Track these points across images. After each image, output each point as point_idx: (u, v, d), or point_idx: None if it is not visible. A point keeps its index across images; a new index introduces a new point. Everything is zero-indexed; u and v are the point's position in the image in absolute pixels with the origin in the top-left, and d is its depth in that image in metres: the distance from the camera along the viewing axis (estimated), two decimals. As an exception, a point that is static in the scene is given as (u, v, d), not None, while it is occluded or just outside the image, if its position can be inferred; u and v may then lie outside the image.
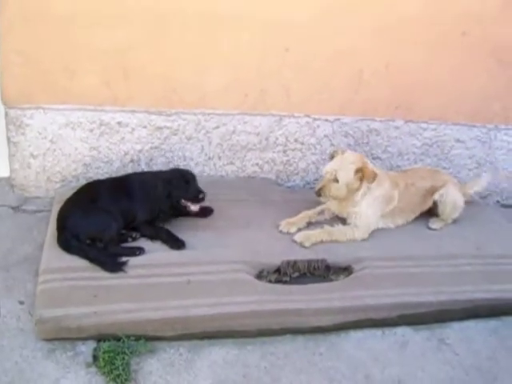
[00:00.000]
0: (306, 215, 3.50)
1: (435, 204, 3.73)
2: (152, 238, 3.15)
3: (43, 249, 3.06)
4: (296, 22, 3.58)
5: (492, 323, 3.18)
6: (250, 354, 2.72)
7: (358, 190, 3.38)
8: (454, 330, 3.09)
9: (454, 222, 3.77)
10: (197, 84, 3.63)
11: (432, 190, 3.69)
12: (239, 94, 3.73)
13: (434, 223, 3.72)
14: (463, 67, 3.99)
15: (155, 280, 2.84)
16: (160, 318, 2.66)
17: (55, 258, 2.92)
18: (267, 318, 2.80)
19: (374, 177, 3.33)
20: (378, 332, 2.98)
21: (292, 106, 3.83)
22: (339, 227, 3.43)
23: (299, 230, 3.40)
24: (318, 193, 3.34)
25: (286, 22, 3.56)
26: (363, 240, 3.43)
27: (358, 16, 3.65)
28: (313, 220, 3.52)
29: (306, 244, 3.27)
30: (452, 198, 3.68)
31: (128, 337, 2.61)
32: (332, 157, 3.44)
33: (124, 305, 2.66)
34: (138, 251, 3.00)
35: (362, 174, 3.32)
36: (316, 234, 3.34)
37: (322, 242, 3.32)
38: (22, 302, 2.83)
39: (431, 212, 3.78)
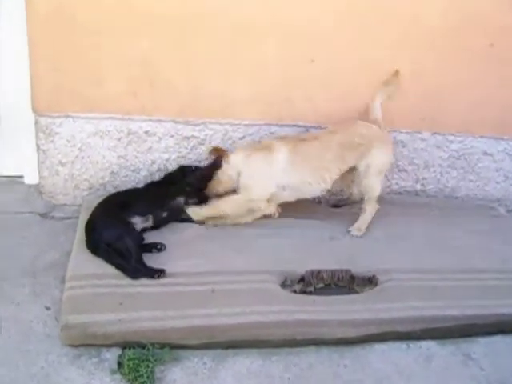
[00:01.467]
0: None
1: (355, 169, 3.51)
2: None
3: (70, 255, 3.09)
4: (321, 33, 3.59)
5: (520, 339, 3.13)
6: (274, 364, 2.71)
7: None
8: (480, 345, 3.03)
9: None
10: (223, 94, 3.65)
11: (349, 146, 3.45)
12: (265, 104, 3.74)
13: (355, 231, 3.55)
14: (490, 79, 3.96)
15: (180, 289, 2.85)
16: (185, 327, 2.66)
17: (82, 264, 2.95)
18: (292, 329, 2.79)
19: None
20: (402, 345, 2.94)
21: (318, 116, 3.82)
22: (227, 197, 3.43)
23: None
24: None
25: (311, 33, 3.58)
26: (260, 207, 3.43)
27: (384, 26, 3.65)
28: None
29: (196, 219, 3.38)
30: (377, 166, 3.50)
31: (153, 344, 2.62)
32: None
33: (149, 313, 2.68)
34: (158, 274, 2.92)
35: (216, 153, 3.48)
36: (205, 209, 3.40)
37: (212, 216, 3.38)
38: (48, 308, 2.86)
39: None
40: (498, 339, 3.09)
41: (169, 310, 2.71)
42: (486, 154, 4.21)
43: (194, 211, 3.40)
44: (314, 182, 3.45)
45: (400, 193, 4.21)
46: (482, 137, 4.15)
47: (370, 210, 3.59)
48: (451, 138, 4.10)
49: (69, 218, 3.66)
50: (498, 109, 4.06)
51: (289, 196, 3.47)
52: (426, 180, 4.23)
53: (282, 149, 3.38)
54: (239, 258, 3.13)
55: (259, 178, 3.40)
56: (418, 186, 4.24)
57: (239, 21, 3.46)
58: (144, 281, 2.88)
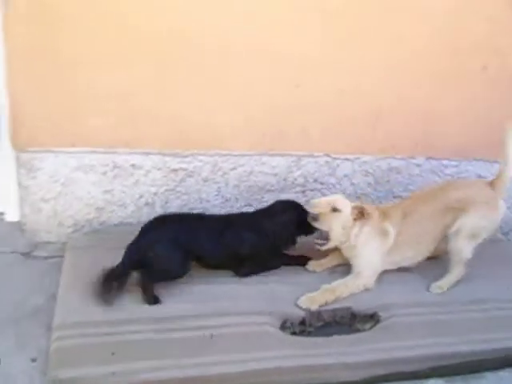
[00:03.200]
0: (334, 256, 3.35)
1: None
2: None
3: (56, 300, 2.91)
4: (310, 59, 3.51)
5: (528, 372, 3.02)
6: (278, 413, 2.57)
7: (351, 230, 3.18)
8: (489, 381, 2.90)
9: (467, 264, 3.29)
10: (210, 124, 3.54)
11: (448, 212, 3.22)
12: (255, 133, 3.64)
13: (436, 288, 3.27)
14: (482, 100, 3.92)
15: (176, 335, 2.68)
16: (182, 378, 2.49)
17: (70, 311, 2.77)
18: (294, 375, 2.63)
19: (372, 211, 3.16)
20: (409, 386, 2.82)
21: (310, 144, 3.73)
22: (339, 281, 3.18)
23: (327, 268, 3.35)
24: (315, 216, 3.09)
25: (299, 59, 3.49)
26: (368, 288, 3.20)
27: (372, 51, 3.59)
28: (341, 261, 3.34)
29: (313, 308, 3.01)
30: (468, 229, 3.17)
31: (149, 398, 2.46)
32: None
33: (143, 363, 2.50)
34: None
35: (358, 211, 3.15)
36: (319, 296, 3.06)
37: (326, 303, 3.05)
38: (34, 360, 2.68)
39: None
40: (506, 374, 2.97)
41: (164, 358, 2.54)
42: (480, 177, 4.14)
43: (309, 299, 3.03)
44: (414, 256, 3.36)
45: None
46: (475, 160, 4.08)
47: (456, 272, 3.32)
48: (446, 162, 4.03)
49: (52, 256, 3.50)
50: (491, 131, 3.98)
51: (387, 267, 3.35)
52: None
53: (391, 231, 3.23)
54: (237, 301, 2.98)
55: (375, 263, 3.26)
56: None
57: (220, 49, 3.36)
58: (137, 327, 2.71)
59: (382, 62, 3.64)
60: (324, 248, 3.24)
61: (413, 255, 3.36)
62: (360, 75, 3.63)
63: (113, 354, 2.54)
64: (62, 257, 3.40)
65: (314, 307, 3.01)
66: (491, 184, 3.31)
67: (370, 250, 3.24)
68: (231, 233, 3.13)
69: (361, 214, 3.16)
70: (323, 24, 3.46)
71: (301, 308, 3.00)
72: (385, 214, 3.26)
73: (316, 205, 3.19)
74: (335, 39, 3.50)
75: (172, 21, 3.21)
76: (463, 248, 3.25)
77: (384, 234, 3.23)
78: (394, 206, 3.37)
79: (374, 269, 3.26)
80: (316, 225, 3.15)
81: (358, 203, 3.20)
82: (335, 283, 3.16)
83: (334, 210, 3.13)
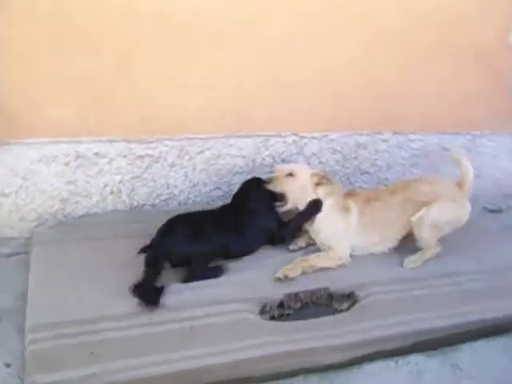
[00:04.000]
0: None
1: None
2: None
3: (26, 300, 2.79)
4: (273, 39, 3.42)
5: (501, 341, 3.06)
6: (264, 401, 2.55)
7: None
8: (466, 353, 2.96)
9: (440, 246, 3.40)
10: (174, 109, 3.43)
11: (410, 205, 3.34)
12: (220, 115, 3.55)
13: (409, 263, 3.34)
14: (446, 75, 3.94)
15: (156, 329, 2.62)
16: (165, 373, 2.42)
17: (42, 311, 2.65)
18: (278, 361, 2.61)
19: (330, 178, 3.32)
20: (391, 363, 2.82)
21: (277, 125, 3.67)
22: (314, 254, 3.26)
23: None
24: (268, 180, 3.27)
25: (262, 39, 3.40)
26: (344, 263, 3.26)
27: (339, 31, 3.54)
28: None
29: (291, 275, 3.06)
30: (431, 220, 3.28)
31: (132, 397, 2.39)
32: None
33: (124, 361, 2.42)
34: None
35: (317, 177, 3.29)
36: (295, 265, 3.13)
37: (303, 271, 3.13)
38: (8, 365, 2.55)
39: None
40: (482, 344, 3.03)
41: (146, 355, 2.47)
42: (445, 150, 4.17)
43: (286, 270, 3.09)
44: (380, 242, 3.41)
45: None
46: (441, 133, 4.11)
47: (427, 252, 3.40)
48: (412, 136, 4.04)
49: (17, 253, 3.36)
50: (455, 104, 4.04)
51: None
52: (388, 180, 4.16)
53: (353, 208, 3.33)
54: (215, 290, 2.92)
55: (341, 236, 3.33)
56: (381, 187, 4.16)
57: (185, 30, 3.24)
58: (116, 323, 2.62)
59: (348, 41, 3.60)
60: (282, 210, 3.34)
61: (380, 240, 3.41)
62: (326, 54, 3.59)
63: (92, 353, 2.45)
64: (26, 253, 3.29)
65: (293, 275, 3.06)
66: (458, 184, 3.44)
67: (333, 223, 3.30)
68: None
69: (321, 179, 3.28)
70: (290, 5, 3.38)
71: (279, 279, 3.04)
72: (349, 194, 3.40)
73: (275, 170, 3.37)
74: (302, 20, 3.43)
75: (132, 3, 3.07)
76: (427, 237, 3.34)
77: (346, 209, 3.32)
78: (359, 191, 3.53)
79: (342, 242, 3.30)
80: (270, 187, 3.27)
81: (318, 170, 3.38)
82: (310, 255, 3.26)
83: (290, 174, 3.27)
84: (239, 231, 3.20)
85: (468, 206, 3.41)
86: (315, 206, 3.32)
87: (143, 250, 3.03)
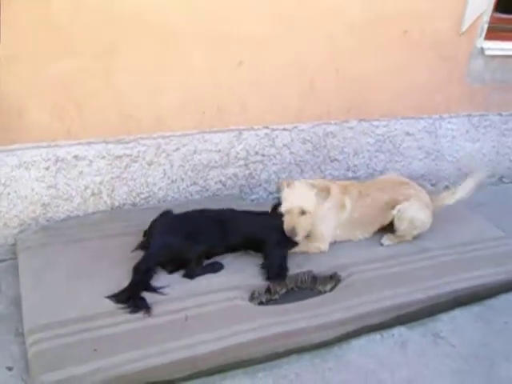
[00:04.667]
0: None
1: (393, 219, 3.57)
2: None
3: (19, 304, 2.83)
4: (248, 36, 3.51)
5: (475, 309, 3.31)
6: (263, 381, 2.67)
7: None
8: (444, 322, 3.18)
9: (416, 237, 3.63)
10: (152, 107, 3.48)
11: (392, 204, 3.53)
12: (196, 112, 3.62)
13: (387, 240, 3.59)
14: (407, 64, 4.10)
15: (153, 321, 2.71)
16: (166, 363, 2.52)
17: (38, 314, 2.70)
18: (272, 343, 2.74)
19: (329, 188, 3.31)
20: (376, 336, 3.01)
21: (250, 119, 3.78)
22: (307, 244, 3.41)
23: None
24: (293, 232, 3.18)
25: (236, 36, 3.48)
26: (322, 251, 3.40)
27: (306, 26, 3.63)
28: None
29: None
30: (410, 215, 3.50)
31: (137, 387, 2.48)
32: (279, 189, 3.40)
33: (127, 354, 2.51)
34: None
35: (321, 192, 3.27)
36: None
37: None
38: (10, 368, 2.61)
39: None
40: (458, 314, 3.26)
41: (147, 347, 2.56)
42: (408, 134, 4.39)
43: None
44: (360, 234, 3.59)
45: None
46: (403, 118, 4.31)
47: (406, 238, 3.63)
48: (376, 123, 4.23)
49: (2, 260, 3.38)
50: (416, 91, 4.23)
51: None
52: (356, 166, 4.34)
53: (348, 206, 3.44)
54: (205, 280, 3.03)
55: (329, 232, 3.45)
56: (350, 173, 4.35)
57: (162, 30, 3.28)
58: (113, 319, 2.69)
59: (317, 35, 3.71)
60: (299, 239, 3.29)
61: (359, 233, 3.59)
62: (296, 49, 3.69)
63: (95, 350, 2.52)
64: (12, 259, 3.32)
65: None
66: (433, 198, 3.70)
67: (327, 222, 3.40)
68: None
69: (322, 190, 3.28)
70: (262, 2, 3.47)
71: None
72: (345, 189, 3.49)
73: (286, 209, 3.24)
74: (274, 15, 3.52)
75: (109, 3, 3.09)
76: (404, 229, 3.57)
77: (342, 206, 3.44)
78: (352, 184, 3.60)
79: (328, 236, 3.45)
80: (284, 226, 3.21)
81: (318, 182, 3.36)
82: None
83: (302, 212, 3.20)
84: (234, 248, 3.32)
85: (431, 218, 3.65)
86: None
87: (139, 247, 3.12)
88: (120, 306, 2.77)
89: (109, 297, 2.82)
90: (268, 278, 3.11)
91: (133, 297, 2.82)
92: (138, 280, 2.93)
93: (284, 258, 3.21)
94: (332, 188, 3.36)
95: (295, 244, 3.29)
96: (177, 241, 3.09)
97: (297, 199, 3.21)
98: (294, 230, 3.16)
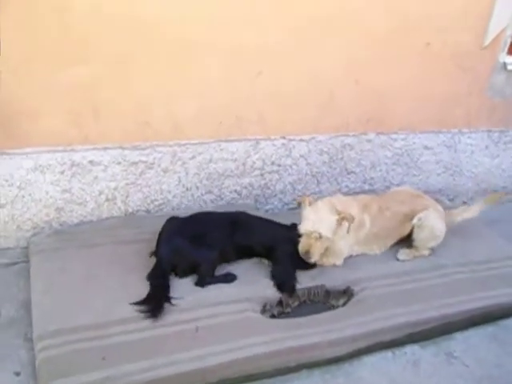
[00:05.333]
0: None
1: (412, 229, 3.52)
2: None
3: (29, 309, 2.83)
4: (266, 47, 3.48)
5: (489, 329, 3.24)
6: (272, 396, 2.64)
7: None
8: (458, 342, 3.12)
9: (432, 253, 3.56)
10: (169, 115, 3.47)
11: (411, 215, 3.49)
12: (213, 121, 3.61)
13: (402, 254, 3.51)
14: (427, 76, 4.05)
15: (163, 331, 2.69)
16: (175, 374, 2.49)
17: (49, 319, 2.69)
18: (284, 357, 2.71)
19: (353, 218, 3.19)
20: (388, 354, 2.96)
21: (267, 129, 3.75)
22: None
23: None
24: (307, 255, 3.13)
25: (256, 47, 3.46)
26: (336, 266, 3.34)
27: (327, 37, 3.60)
28: None
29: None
30: (430, 224, 3.46)
31: (145, 397, 2.46)
32: (299, 204, 3.28)
33: (136, 364, 2.48)
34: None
35: (342, 220, 3.18)
36: None
37: None
38: (18, 374, 2.59)
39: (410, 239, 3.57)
40: (472, 333, 3.19)
41: (156, 357, 2.54)
42: (426, 148, 4.33)
43: None
44: (377, 248, 3.53)
45: (349, 195, 4.21)
46: (422, 132, 4.26)
47: (420, 251, 3.56)
48: (395, 136, 4.18)
49: (15, 263, 3.38)
50: (435, 104, 4.18)
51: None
52: (373, 179, 4.29)
53: (367, 224, 3.39)
54: (217, 291, 3.00)
55: (346, 250, 3.39)
56: (366, 186, 4.30)
57: (181, 39, 3.27)
58: (122, 327, 2.68)
59: (336, 45, 3.67)
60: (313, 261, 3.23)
61: (376, 247, 3.53)
62: (315, 60, 3.66)
63: (103, 358, 2.50)
64: (25, 262, 3.31)
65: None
66: (447, 213, 3.66)
67: (346, 240, 3.33)
68: None
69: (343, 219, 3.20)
70: (281, 12, 3.45)
71: None
72: (365, 206, 3.42)
73: (303, 230, 3.16)
74: (292, 27, 3.50)
75: (129, 11, 3.09)
76: (423, 238, 3.51)
77: (361, 225, 3.37)
78: (372, 199, 3.54)
79: (344, 253, 3.40)
80: (313, 261, 3.19)
81: (341, 214, 3.19)
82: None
83: (318, 236, 3.12)
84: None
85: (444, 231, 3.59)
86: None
87: (153, 254, 3.11)
88: (142, 312, 2.76)
89: (135, 303, 2.81)
90: (276, 286, 3.09)
91: (157, 303, 2.82)
92: (160, 285, 2.93)
93: (293, 269, 3.19)
94: (352, 208, 3.29)
95: (312, 266, 3.25)
96: (185, 243, 3.07)
97: (317, 223, 3.11)
98: (308, 253, 3.12)
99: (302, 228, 3.14)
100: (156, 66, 3.31)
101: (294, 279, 3.15)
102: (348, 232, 3.20)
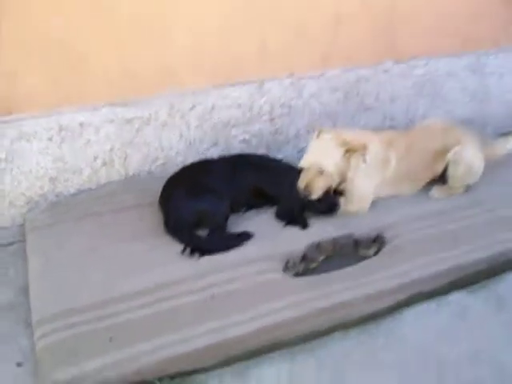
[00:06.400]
0: None
1: (446, 166, 3.18)
2: None
3: (29, 293, 2.54)
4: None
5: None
6: (304, 364, 2.31)
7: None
8: (508, 283, 2.76)
9: (468, 189, 3.22)
10: (161, 61, 3.09)
11: (444, 151, 3.14)
12: (211, 64, 3.23)
13: (436, 192, 3.20)
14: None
15: (175, 302, 2.38)
16: (193, 350, 2.21)
17: (48, 302, 2.41)
18: (314, 320, 2.40)
19: (365, 147, 2.87)
20: (431, 305, 2.61)
21: (270, 64, 3.37)
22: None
23: None
24: (307, 191, 2.82)
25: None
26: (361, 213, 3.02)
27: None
28: None
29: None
30: (468, 159, 3.12)
31: (161, 379, 2.17)
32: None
33: (147, 344, 2.19)
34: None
35: (350, 153, 2.87)
36: None
37: None
38: (20, 364, 2.32)
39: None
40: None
41: (169, 333, 2.24)
42: (449, 74, 3.91)
43: None
44: (407, 189, 3.20)
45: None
46: (444, 56, 3.83)
47: (455, 190, 3.23)
48: (413, 62, 3.75)
49: (11, 243, 3.08)
50: (457, 21, 3.74)
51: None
52: (394, 114, 3.90)
53: (393, 161, 3.06)
54: (232, 251, 2.71)
55: (369, 193, 3.07)
56: (387, 122, 3.90)
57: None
58: (128, 303, 2.38)
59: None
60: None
61: (406, 189, 3.20)
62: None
63: (110, 339, 2.22)
64: (21, 241, 3.02)
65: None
66: (483, 147, 3.27)
67: (367, 182, 3.02)
68: None
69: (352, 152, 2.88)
70: None
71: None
72: (390, 143, 3.09)
73: (304, 167, 2.89)
74: None
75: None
76: (460, 175, 3.16)
77: (385, 161, 3.05)
78: (398, 136, 3.19)
79: (368, 197, 3.06)
80: (298, 183, 2.87)
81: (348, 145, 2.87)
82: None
83: (320, 171, 2.83)
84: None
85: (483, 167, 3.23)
86: (331, 208, 2.98)
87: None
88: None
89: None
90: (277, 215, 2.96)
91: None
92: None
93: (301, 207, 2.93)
94: (372, 143, 2.95)
95: (329, 209, 2.95)
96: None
97: (318, 156, 2.84)
98: (307, 187, 2.80)
99: (302, 162, 2.85)
100: (141, 9, 2.93)
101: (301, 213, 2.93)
102: (364, 163, 2.86)
